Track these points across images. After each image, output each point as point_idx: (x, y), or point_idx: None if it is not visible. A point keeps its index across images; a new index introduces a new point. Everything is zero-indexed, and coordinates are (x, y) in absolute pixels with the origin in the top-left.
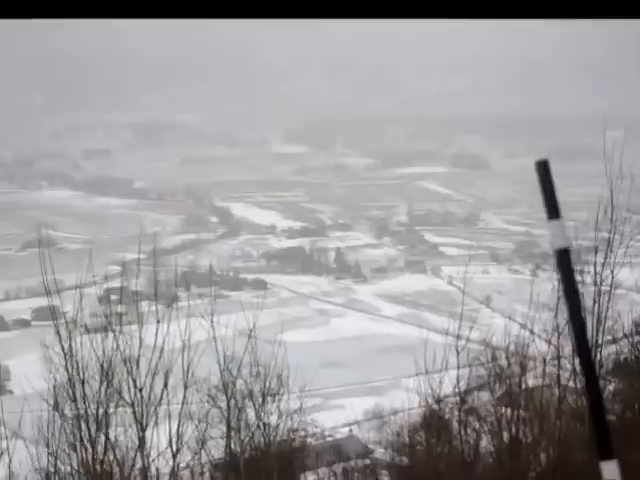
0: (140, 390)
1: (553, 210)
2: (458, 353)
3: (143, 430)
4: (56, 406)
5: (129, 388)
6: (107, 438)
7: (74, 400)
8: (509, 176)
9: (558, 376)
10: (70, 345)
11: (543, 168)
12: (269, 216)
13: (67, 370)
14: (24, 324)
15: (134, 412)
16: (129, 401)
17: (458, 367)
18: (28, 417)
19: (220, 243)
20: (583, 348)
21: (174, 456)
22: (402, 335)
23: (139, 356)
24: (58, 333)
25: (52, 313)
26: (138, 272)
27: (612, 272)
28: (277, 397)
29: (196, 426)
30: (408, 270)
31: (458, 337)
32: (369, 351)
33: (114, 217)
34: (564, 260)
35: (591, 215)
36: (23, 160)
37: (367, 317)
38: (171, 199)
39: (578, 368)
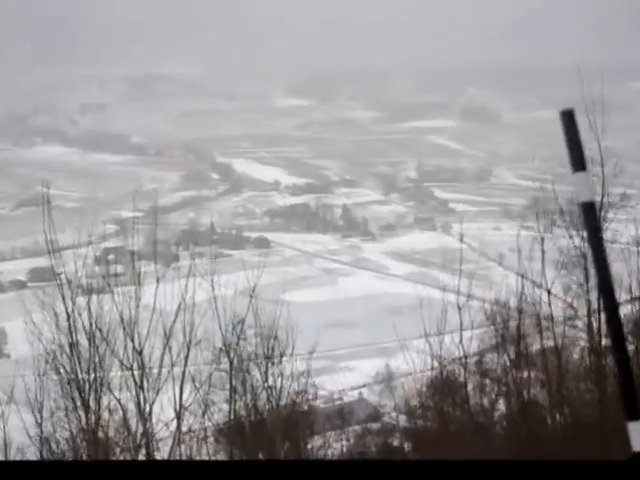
0: (139, 353)
1: (579, 162)
2: (468, 313)
3: (143, 394)
4: (53, 370)
5: (127, 351)
6: (98, 403)
7: (71, 364)
8: (522, 129)
9: (572, 337)
10: (67, 307)
11: (568, 118)
12: (272, 172)
13: (64, 333)
14: (20, 285)
15: (133, 376)
16: (128, 365)
17: (471, 327)
18: (25, 381)
19: (221, 200)
20: (610, 303)
21: (177, 420)
22: (412, 295)
23: (137, 317)
24: (62, 295)
25: (54, 273)
26: (136, 231)
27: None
28: (282, 359)
29: (197, 389)
30: (417, 227)
31: (470, 296)
32: (378, 311)
33: (111, 174)
34: (590, 214)
35: (608, 169)
36: (15, 116)
37: (375, 276)
38: (170, 155)
39: (595, 328)
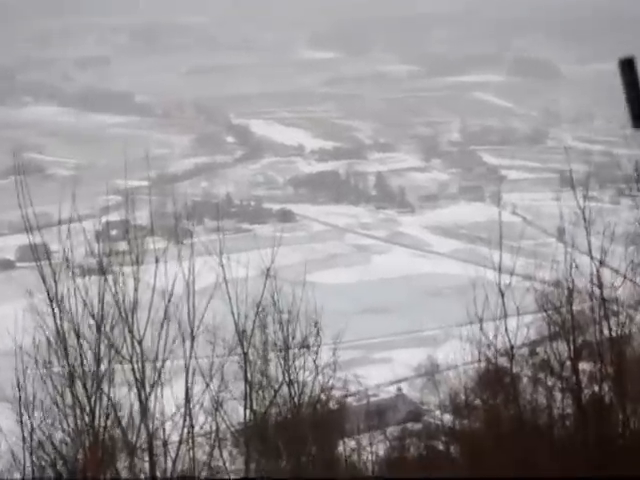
0: (140, 342)
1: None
2: (522, 296)
3: (145, 390)
4: (45, 363)
5: (126, 340)
6: (101, 399)
7: (65, 356)
8: (582, 84)
9: None
10: (58, 291)
11: (628, 66)
12: (296, 135)
13: (56, 320)
14: (7, 265)
15: (133, 369)
16: (127, 356)
17: (525, 313)
18: (10, 376)
19: (238, 167)
20: None
21: (184, 421)
22: (456, 275)
23: (137, 302)
24: (55, 277)
25: (46, 251)
26: (141, 202)
27: None
28: (308, 349)
29: (207, 384)
30: (463, 198)
31: (524, 277)
32: (418, 294)
33: (112, 138)
34: None
35: None
36: (3, 71)
37: (415, 254)
38: (179, 116)
39: None
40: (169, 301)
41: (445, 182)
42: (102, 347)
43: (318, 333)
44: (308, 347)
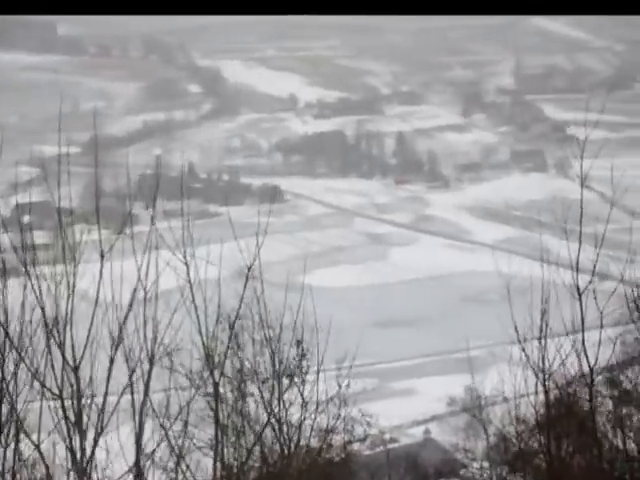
0: (75, 370)
1: None
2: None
3: (81, 437)
4: None
5: (54, 368)
6: (18, 449)
7: None
8: None
9: None
10: None
11: None
12: (286, 82)
13: None
14: None
15: (63, 407)
16: (56, 390)
17: (602, 325)
18: None
19: (205, 128)
20: None
21: (134, 476)
22: (507, 274)
23: (70, 315)
24: None
25: None
26: (69, 177)
27: None
28: (300, 377)
29: (164, 428)
30: (516, 167)
31: (602, 276)
32: (453, 300)
33: (26, 85)
34: None
35: None
36: None
37: (449, 245)
38: (121, 55)
39: None
40: (126, 317)
41: (492, 145)
42: (22, 377)
43: (303, 356)
44: (301, 376)
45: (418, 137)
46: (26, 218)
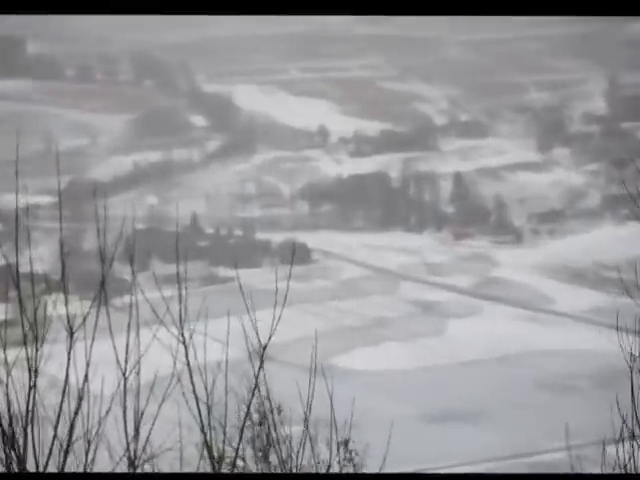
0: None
1: None
2: None
3: None
4: None
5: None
6: None
7: None
8: None
9: None
10: None
11: None
12: (313, 110)
13: None
14: None
15: None
16: None
17: None
18: None
19: (213, 170)
20: None
21: None
22: (600, 353)
23: (34, 416)
24: None
25: None
26: (38, 234)
27: None
28: None
29: None
30: (610, 215)
31: None
32: (525, 388)
33: None
34: None
35: None
36: None
37: (522, 316)
38: (107, 79)
39: None
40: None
41: (578, 188)
42: None
43: (350, 460)
44: None
45: (482, 179)
46: None
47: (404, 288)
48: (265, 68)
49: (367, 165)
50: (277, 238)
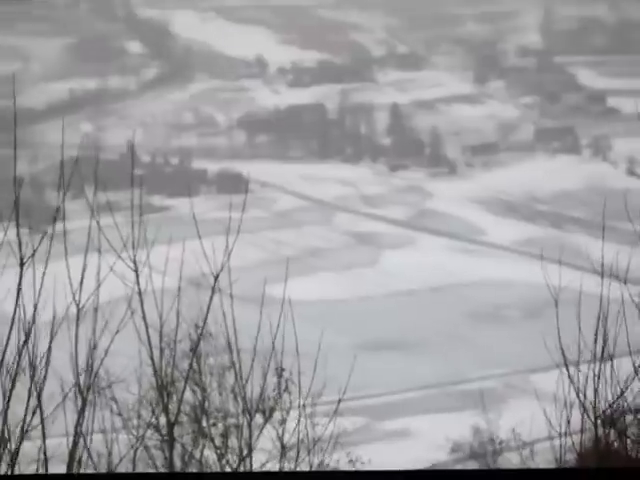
0: None
1: None
2: None
3: None
4: None
5: None
6: None
7: None
8: None
9: None
10: None
11: None
12: (252, 39)
13: None
14: None
15: None
16: None
17: None
18: None
19: (149, 98)
20: None
21: None
22: (529, 283)
23: None
24: None
25: None
26: None
27: None
28: (281, 414)
29: None
30: (542, 148)
31: None
32: (459, 317)
33: None
34: None
35: None
36: None
37: (456, 247)
38: (41, 2)
39: None
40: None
41: (512, 121)
42: None
43: (285, 387)
44: (281, 413)
45: (418, 111)
46: None
47: (339, 219)
48: None
49: (304, 96)
50: (214, 168)
